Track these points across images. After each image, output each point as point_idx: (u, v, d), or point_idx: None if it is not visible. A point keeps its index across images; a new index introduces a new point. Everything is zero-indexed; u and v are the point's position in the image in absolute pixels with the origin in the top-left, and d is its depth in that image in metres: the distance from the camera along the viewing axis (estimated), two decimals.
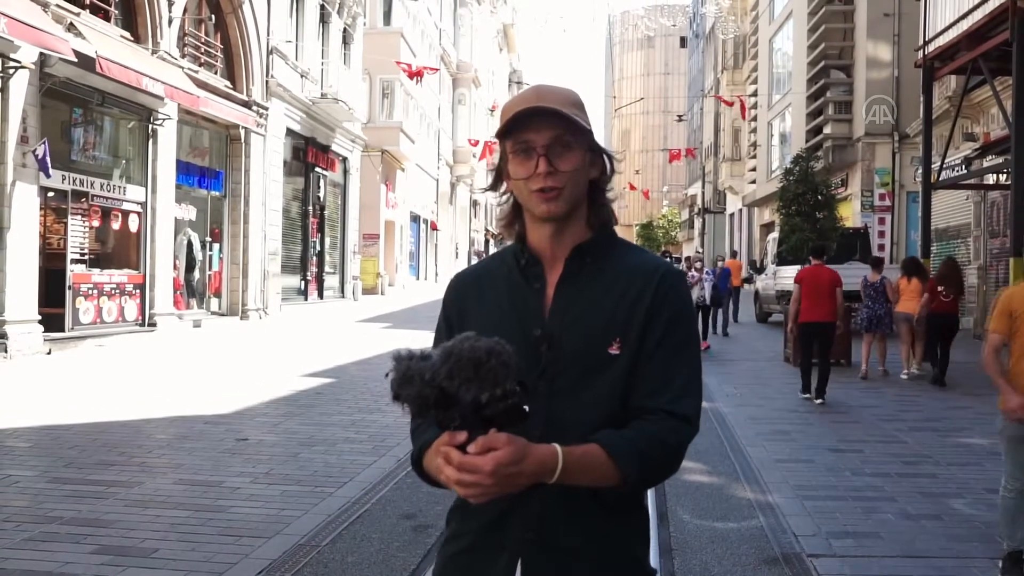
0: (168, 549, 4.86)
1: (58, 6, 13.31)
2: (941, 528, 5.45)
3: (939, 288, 12.14)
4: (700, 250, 49.00)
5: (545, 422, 1.60)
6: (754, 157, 42.34)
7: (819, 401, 10.59)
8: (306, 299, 25.58)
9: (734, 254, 23.16)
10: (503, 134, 1.72)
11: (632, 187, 67.82)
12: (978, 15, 12.94)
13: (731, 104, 38.82)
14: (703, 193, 58.96)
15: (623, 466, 1.58)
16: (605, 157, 1.79)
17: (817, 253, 11.65)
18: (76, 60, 12.61)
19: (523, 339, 1.58)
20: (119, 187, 15.79)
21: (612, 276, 1.73)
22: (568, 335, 1.68)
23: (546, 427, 1.59)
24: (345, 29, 28.35)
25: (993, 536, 5.26)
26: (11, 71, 12.34)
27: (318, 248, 26.95)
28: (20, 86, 12.56)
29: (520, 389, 1.45)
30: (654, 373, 1.68)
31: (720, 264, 16.46)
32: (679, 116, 71.91)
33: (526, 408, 1.49)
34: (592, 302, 1.71)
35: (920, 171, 16.37)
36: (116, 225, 15.82)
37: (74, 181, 14.41)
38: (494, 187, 1.82)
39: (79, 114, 14.92)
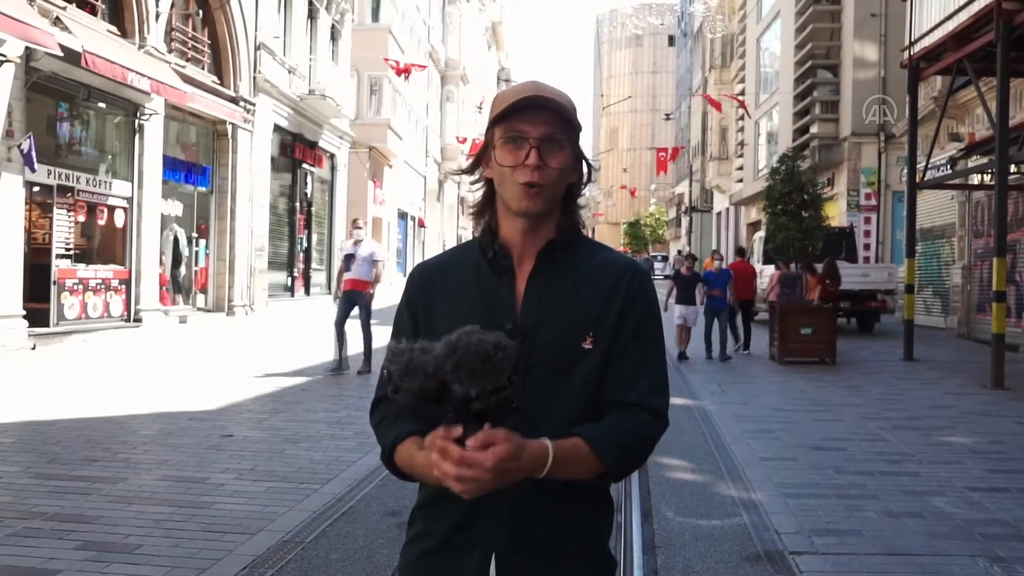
0: (152, 545, 4.85)
1: (44, 0, 13.24)
2: (923, 526, 5.49)
3: (826, 281, 15.78)
4: (687, 247, 49.07)
5: (519, 415, 1.59)
6: (741, 156, 42.46)
7: (744, 352, 15.50)
8: (293, 295, 25.52)
9: (742, 252, 22.59)
10: (498, 119, 1.71)
11: (627, 189, 68.11)
12: (963, 16, 12.99)
13: (719, 105, 38.85)
14: (690, 191, 59.08)
15: (606, 459, 1.61)
16: (584, 165, 1.80)
17: (740, 253, 17.36)
18: (62, 54, 12.54)
19: (509, 332, 1.58)
20: (105, 182, 15.71)
21: (583, 273, 1.75)
22: (542, 329, 1.70)
23: (520, 420, 1.58)
24: (333, 25, 28.29)
25: (973, 534, 5.31)
26: None
27: (305, 244, 26.88)
28: (5, 80, 12.48)
29: (509, 383, 1.46)
30: (626, 368, 1.71)
31: (718, 264, 15.90)
32: (667, 115, 72.05)
33: (515, 402, 1.50)
34: (564, 297, 1.72)
35: (905, 171, 16.44)
36: (102, 220, 15.74)
37: (60, 176, 14.33)
38: (471, 171, 1.81)
39: (65, 109, 14.84)
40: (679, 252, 45.94)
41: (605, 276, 1.75)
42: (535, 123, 1.68)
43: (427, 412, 1.49)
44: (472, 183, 1.82)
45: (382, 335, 1.83)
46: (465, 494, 1.48)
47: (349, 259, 12.16)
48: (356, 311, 12.03)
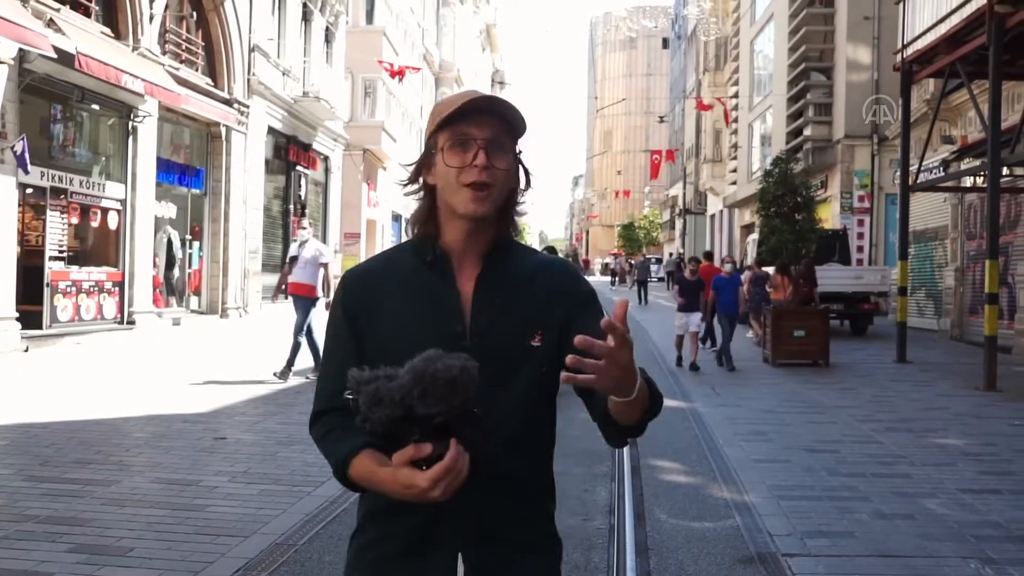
0: (144, 548, 4.84)
1: (38, 1, 13.22)
2: (914, 528, 5.51)
3: (799, 281, 15.42)
4: (680, 249, 49.03)
5: (481, 421, 1.61)
6: (735, 159, 42.51)
7: (713, 349, 15.28)
8: (287, 298, 25.41)
9: (709, 256, 21.77)
10: (443, 124, 1.73)
11: (619, 195, 68.10)
12: (956, 19, 13.02)
13: (709, 108, 38.91)
14: (684, 194, 59.10)
15: (654, 404, 1.66)
16: (523, 172, 1.84)
17: (708, 257, 18.27)
18: (56, 56, 12.53)
19: (441, 334, 1.65)
20: (99, 184, 15.69)
21: (526, 274, 1.81)
22: (492, 330, 1.74)
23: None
24: (327, 27, 28.28)
25: (965, 535, 5.32)
26: None
27: None
28: None
29: (473, 396, 1.49)
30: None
31: (729, 268, 15.30)
32: (661, 117, 72.07)
33: (477, 411, 1.52)
34: (511, 298, 1.77)
35: (898, 173, 16.48)
36: (95, 222, 15.73)
37: (53, 178, 14.31)
38: (414, 178, 1.83)
39: (59, 110, 14.82)
40: (670, 255, 45.97)
41: (541, 276, 1.81)
42: (482, 126, 1.72)
43: (394, 432, 1.51)
44: (411, 193, 1.84)
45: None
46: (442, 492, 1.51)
47: (293, 261, 11.58)
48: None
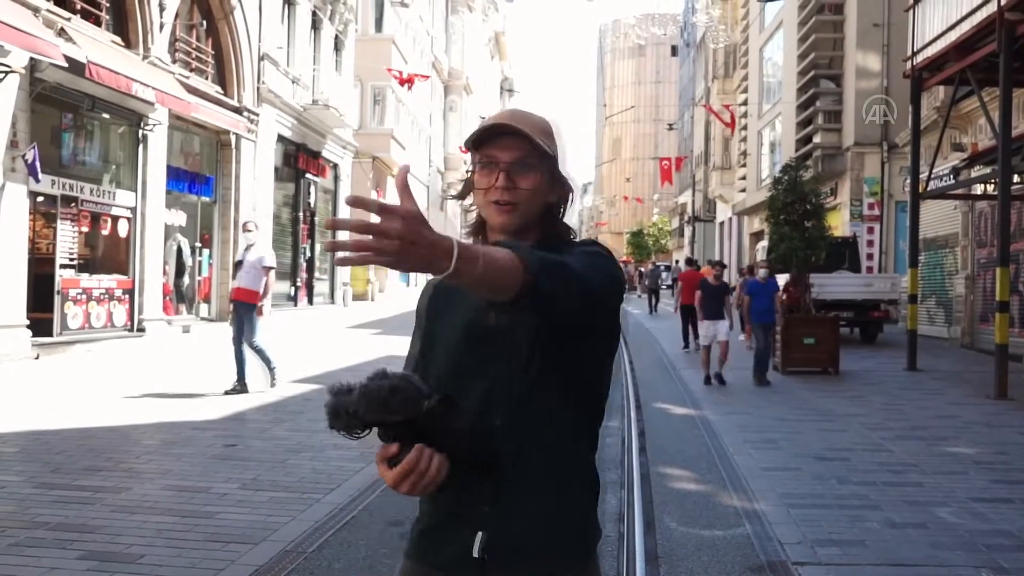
0: (155, 555, 4.85)
1: (49, 11, 13.30)
2: (926, 536, 5.48)
3: (790, 288, 15.32)
4: (690, 257, 48.81)
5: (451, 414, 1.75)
6: (744, 166, 42.46)
7: (685, 350, 17.16)
8: (296, 305, 25.54)
9: (691, 262, 20.67)
10: (472, 146, 1.87)
11: (630, 200, 67.98)
12: (966, 26, 13.00)
13: (726, 123, 38.88)
14: (693, 201, 59.09)
15: (523, 255, 1.53)
16: (566, 186, 1.91)
17: (689, 263, 19.26)
18: (66, 65, 12.59)
19: (466, 331, 1.83)
20: (109, 192, 15.76)
21: None
22: (501, 326, 1.80)
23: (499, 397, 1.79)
24: (337, 36, 28.39)
25: (977, 544, 5.30)
26: (1, 76, 12.30)
27: (308, 254, 26.94)
28: (10, 91, 12.53)
29: (439, 403, 1.64)
30: None
31: (763, 274, 14.35)
32: (670, 125, 72.12)
33: (451, 416, 1.68)
34: None
35: (908, 181, 16.45)
36: (106, 230, 15.79)
37: (64, 186, 14.38)
38: (462, 196, 1.95)
39: (69, 119, 14.90)
40: (676, 261, 45.83)
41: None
42: (505, 149, 1.82)
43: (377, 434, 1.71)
44: (468, 204, 1.96)
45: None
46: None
47: (238, 266, 11.04)
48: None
